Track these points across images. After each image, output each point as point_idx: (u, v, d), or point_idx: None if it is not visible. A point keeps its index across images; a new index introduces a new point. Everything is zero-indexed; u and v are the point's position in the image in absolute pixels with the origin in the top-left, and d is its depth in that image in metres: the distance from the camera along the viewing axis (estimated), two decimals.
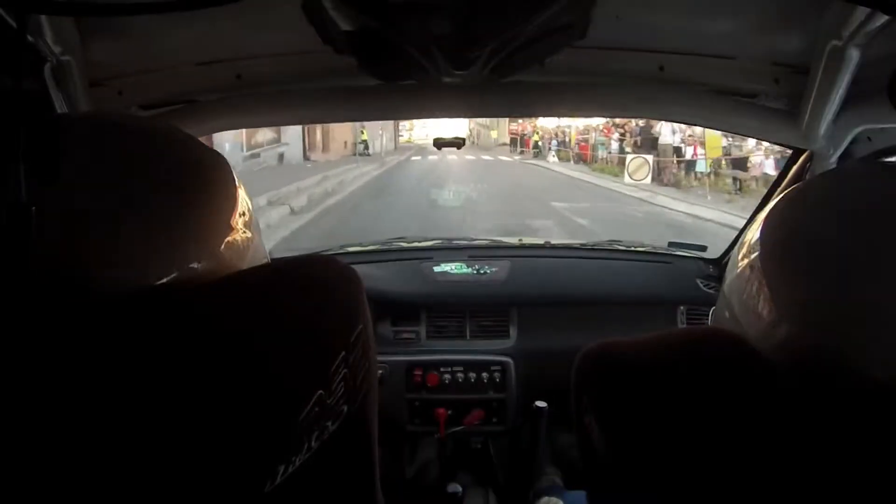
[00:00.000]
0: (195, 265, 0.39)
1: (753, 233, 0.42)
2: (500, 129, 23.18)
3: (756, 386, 0.35)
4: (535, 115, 1.08)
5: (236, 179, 0.46)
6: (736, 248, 0.45)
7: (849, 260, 0.34)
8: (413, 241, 1.74)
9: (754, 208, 1.31)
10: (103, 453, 0.32)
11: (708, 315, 1.39)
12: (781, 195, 0.43)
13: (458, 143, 1.23)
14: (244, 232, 0.44)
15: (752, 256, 0.41)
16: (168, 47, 0.83)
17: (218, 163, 0.45)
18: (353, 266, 0.44)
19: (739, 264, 0.43)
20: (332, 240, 5.09)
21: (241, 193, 0.45)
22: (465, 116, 1.04)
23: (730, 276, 0.45)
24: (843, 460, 0.31)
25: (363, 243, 1.71)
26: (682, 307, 1.40)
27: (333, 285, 0.42)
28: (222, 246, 0.42)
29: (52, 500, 0.32)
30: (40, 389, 0.33)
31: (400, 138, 29.03)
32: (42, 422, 0.32)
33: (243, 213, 0.45)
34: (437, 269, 1.49)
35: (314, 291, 0.41)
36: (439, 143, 1.23)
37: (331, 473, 0.41)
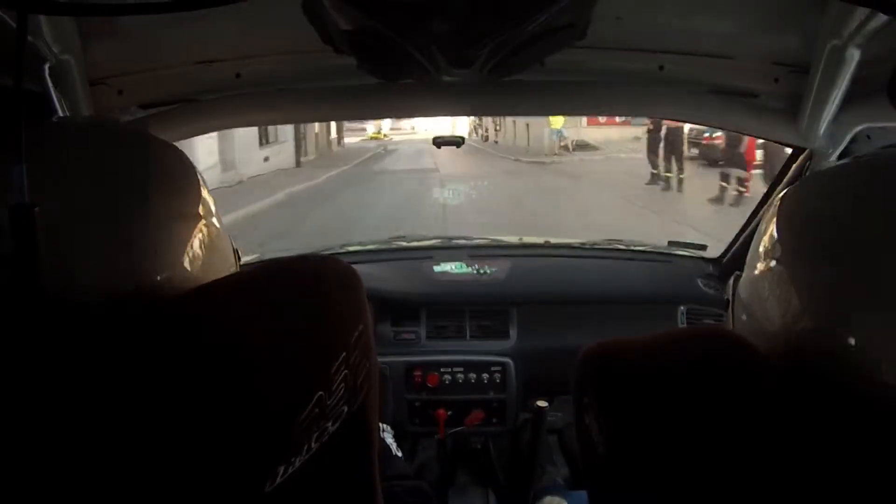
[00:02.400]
0: (163, 267, 0.40)
1: (769, 229, 0.41)
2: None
3: (757, 386, 0.35)
4: (535, 114, 1.08)
5: (202, 182, 0.46)
6: (751, 248, 0.44)
7: (874, 248, 0.34)
8: (413, 241, 1.74)
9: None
10: (103, 455, 0.32)
11: (707, 314, 1.40)
12: (796, 185, 0.43)
13: (457, 143, 1.23)
14: (211, 230, 0.45)
15: (773, 253, 0.40)
16: (168, 46, 0.83)
17: (182, 165, 0.45)
18: (353, 266, 0.44)
19: (758, 263, 0.42)
20: None
21: (206, 195, 0.46)
22: (464, 115, 1.04)
23: (746, 277, 0.44)
24: (842, 462, 0.31)
25: (363, 242, 1.71)
26: (682, 307, 1.40)
27: (333, 285, 0.42)
28: (188, 251, 0.42)
29: (51, 499, 0.32)
30: (38, 393, 0.32)
31: (361, 134, 21.19)
32: (41, 422, 0.32)
33: (208, 213, 0.45)
34: (437, 268, 1.49)
35: (314, 291, 0.41)
36: (439, 142, 1.23)
37: (331, 474, 0.40)
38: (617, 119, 11.65)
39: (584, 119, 12.51)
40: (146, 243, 0.39)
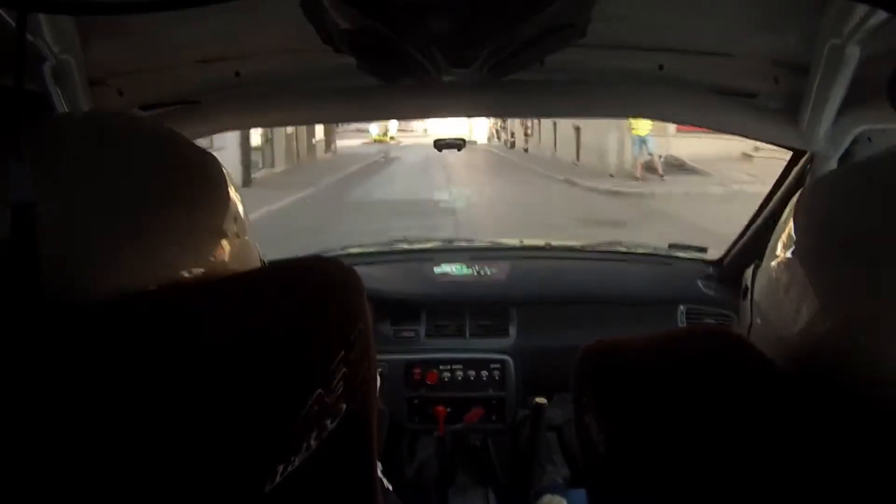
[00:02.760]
0: (184, 271, 0.39)
1: (786, 230, 0.41)
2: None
3: (757, 385, 0.35)
4: (535, 114, 1.08)
5: (229, 181, 0.45)
6: (769, 248, 0.43)
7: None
8: (414, 243, 1.75)
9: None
10: (101, 455, 0.32)
11: (708, 315, 1.39)
12: (815, 185, 0.42)
13: (458, 145, 1.23)
14: (236, 236, 0.44)
15: (788, 254, 0.39)
16: (168, 45, 0.83)
17: (209, 164, 0.44)
18: (354, 267, 0.44)
19: (773, 266, 0.42)
20: None
21: (233, 195, 0.45)
22: (464, 115, 1.04)
23: (763, 276, 0.44)
24: (843, 462, 0.31)
25: (364, 244, 1.71)
26: (682, 307, 1.40)
27: (334, 286, 0.42)
28: (213, 251, 0.41)
29: (51, 500, 0.32)
30: (35, 393, 0.32)
31: (364, 136, 17.57)
32: (39, 424, 0.32)
33: (236, 217, 0.44)
34: (437, 269, 1.50)
35: (314, 292, 0.41)
36: (440, 145, 1.23)
37: (330, 472, 0.40)
38: None
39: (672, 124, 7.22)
40: (156, 246, 0.39)
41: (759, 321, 0.44)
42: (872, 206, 0.36)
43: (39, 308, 0.35)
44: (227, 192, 0.44)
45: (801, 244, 0.39)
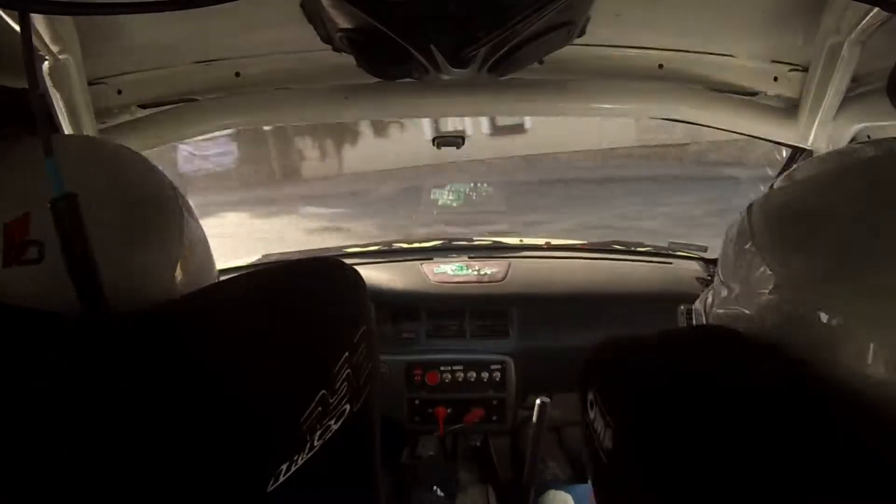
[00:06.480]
0: (141, 296, 0.40)
1: (744, 217, 0.44)
2: None
3: (759, 383, 0.35)
4: (535, 113, 1.08)
5: (183, 204, 0.46)
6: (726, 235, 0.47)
7: (848, 230, 0.35)
8: (413, 242, 1.74)
9: None
10: (108, 455, 0.32)
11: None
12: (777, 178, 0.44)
13: (458, 143, 1.23)
14: (191, 259, 0.45)
15: (748, 239, 0.42)
16: (167, 46, 0.83)
17: (163, 188, 0.45)
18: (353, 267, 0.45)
19: (733, 251, 0.44)
20: None
21: (187, 218, 0.46)
22: (464, 115, 1.04)
23: (723, 252, 0.47)
24: (844, 460, 0.31)
25: (362, 244, 1.71)
26: (682, 307, 1.40)
27: (337, 287, 0.42)
28: (174, 276, 0.42)
29: (54, 499, 0.32)
30: (48, 398, 0.33)
31: None
32: (50, 424, 0.32)
33: (191, 241, 0.45)
34: (437, 269, 1.50)
35: (318, 293, 0.41)
36: (439, 143, 1.23)
37: (333, 472, 0.41)
38: None
39: None
40: (129, 259, 0.40)
41: (724, 293, 0.45)
42: (823, 197, 0.38)
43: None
44: (181, 216, 0.45)
45: (755, 231, 0.41)
